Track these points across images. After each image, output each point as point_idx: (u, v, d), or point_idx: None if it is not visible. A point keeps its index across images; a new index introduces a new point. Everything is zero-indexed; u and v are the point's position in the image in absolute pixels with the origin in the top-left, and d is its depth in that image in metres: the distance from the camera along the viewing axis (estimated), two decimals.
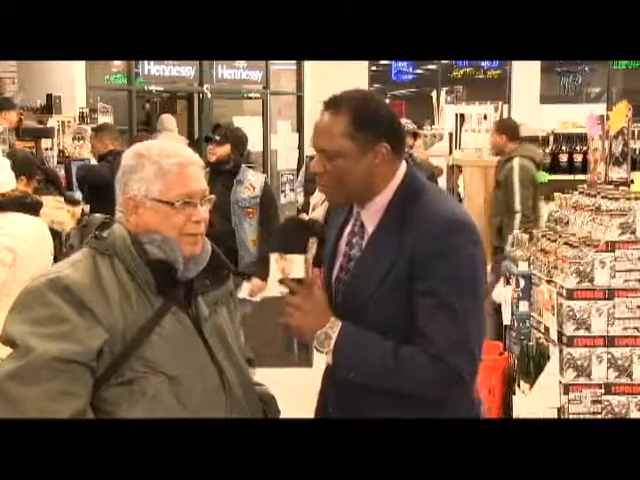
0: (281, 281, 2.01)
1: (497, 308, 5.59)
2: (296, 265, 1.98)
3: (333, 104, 2.05)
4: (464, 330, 1.96)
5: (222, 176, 5.14)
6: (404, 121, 6.50)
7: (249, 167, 5.58)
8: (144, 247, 1.93)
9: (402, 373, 1.97)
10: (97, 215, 2.05)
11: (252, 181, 5.25)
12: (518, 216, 6.24)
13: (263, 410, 2.15)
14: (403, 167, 2.11)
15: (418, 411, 1.97)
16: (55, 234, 4.04)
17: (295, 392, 2.27)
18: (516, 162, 6.36)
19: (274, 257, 1.99)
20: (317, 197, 6.28)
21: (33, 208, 3.69)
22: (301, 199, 9.11)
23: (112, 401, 1.87)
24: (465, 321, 1.96)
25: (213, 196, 2.04)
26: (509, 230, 5.92)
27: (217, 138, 5.19)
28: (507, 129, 6.69)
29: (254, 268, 5.14)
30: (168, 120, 10.11)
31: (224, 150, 5.19)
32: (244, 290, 5.01)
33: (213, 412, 1.94)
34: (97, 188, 6.20)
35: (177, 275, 1.95)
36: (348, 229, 2.17)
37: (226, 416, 1.97)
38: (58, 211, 4.76)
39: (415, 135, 6.50)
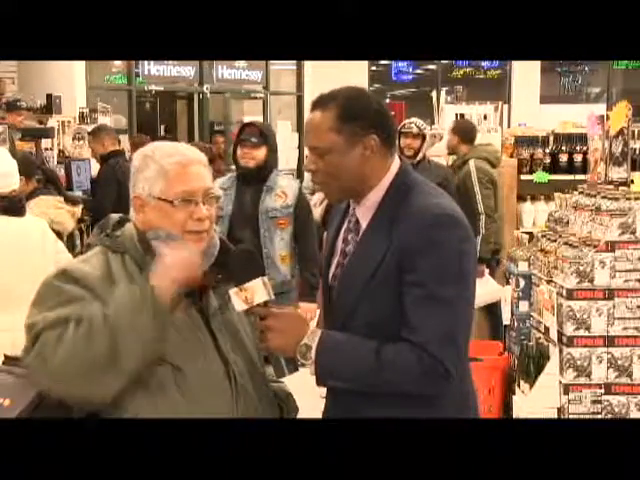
0: (248, 311, 1.99)
1: (491, 308, 5.60)
2: (256, 291, 1.96)
3: (320, 102, 2.07)
4: (449, 322, 1.95)
5: (251, 183, 4.48)
6: (413, 121, 6.29)
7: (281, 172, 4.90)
8: (150, 243, 1.98)
9: (385, 370, 1.94)
10: (113, 215, 2.11)
11: (284, 188, 4.53)
12: (482, 218, 6.17)
13: (280, 407, 2.16)
14: (397, 163, 2.11)
15: (417, 412, 1.95)
16: (56, 234, 4.03)
17: (294, 392, 2.27)
18: (472, 164, 6.28)
19: (232, 292, 1.97)
20: (315, 198, 6.28)
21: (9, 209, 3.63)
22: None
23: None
24: (451, 313, 1.95)
25: (218, 194, 2.04)
26: (475, 233, 5.82)
27: (253, 140, 4.43)
28: (461, 130, 6.60)
29: (286, 288, 4.52)
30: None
31: (262, 153, 4.46)
32: None
33: (217, 404, 1.95)
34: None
35: None
36: (344, 227, 2.17)
37: (232, 409, 1.97)
38: (58, 211, 4.76)
39: (423, 138, 6.11)
